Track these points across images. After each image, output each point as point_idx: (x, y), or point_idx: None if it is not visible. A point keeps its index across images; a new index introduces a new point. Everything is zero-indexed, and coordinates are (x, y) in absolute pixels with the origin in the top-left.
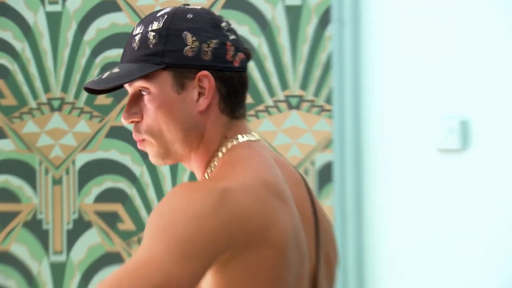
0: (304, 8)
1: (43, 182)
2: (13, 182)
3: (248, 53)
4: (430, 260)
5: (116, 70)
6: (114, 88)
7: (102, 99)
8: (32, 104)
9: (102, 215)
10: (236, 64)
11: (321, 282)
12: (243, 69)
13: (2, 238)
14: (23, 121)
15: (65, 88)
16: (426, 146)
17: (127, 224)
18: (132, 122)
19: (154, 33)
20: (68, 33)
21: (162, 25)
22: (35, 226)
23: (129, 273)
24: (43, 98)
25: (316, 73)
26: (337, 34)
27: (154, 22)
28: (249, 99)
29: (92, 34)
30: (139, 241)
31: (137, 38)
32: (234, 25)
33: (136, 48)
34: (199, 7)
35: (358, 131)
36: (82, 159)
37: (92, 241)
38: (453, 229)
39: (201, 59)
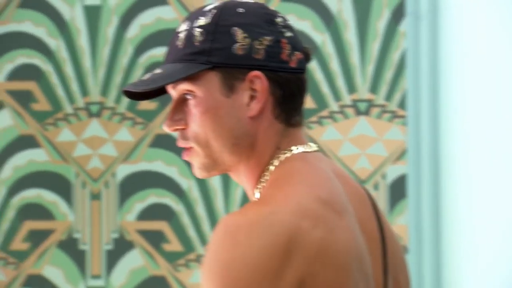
0: (374, 1)
1: (79, 197)
2: (47, 197)
3: (307, 52)
4: None
5: (158, 71)
6: (156, 92)
7: (146, 104)
8: (68, 109)
9: (146, 235)
10: (293, 65)
11: None
12: (301, 70)
13: (34, 260)
14: (57, 129)
15: (104, 91)
16: None
17: (174, 245)
18: (175, 130)
19: (200, 30)
20: (109, 30)
21: (210, 21)
22: (70, 247)
23: None
24: (80, 102)
25: (388, 74)
26: (412, 30)
27: (201, 18)
28: (311, 104)
29: (136, 30)
30: (187, 263)
31: (182, 35)
32: (294, 20)
33: (181, 47)
34: (252, 1)
35: (436, 139)
36: (123, 171)
37: (134, 263)
38: None
39: (252, 58)
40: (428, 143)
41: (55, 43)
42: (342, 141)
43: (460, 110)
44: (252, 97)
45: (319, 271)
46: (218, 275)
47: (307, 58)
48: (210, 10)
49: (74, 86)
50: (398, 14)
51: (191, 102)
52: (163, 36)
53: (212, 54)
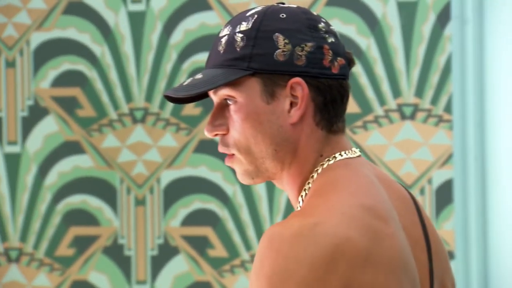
0: (419, 4)
1: (124, 202)
2: (92, 202)
3: (349, 58)
4: None
5: (199, 76)
6: (197, 97)
7: (190, 109)
8: (113, 115)
9: (190, 240)
10: (335, 71)
11: None
12: (343, 76)
13: (80, 265)
14: (102, 134)
15: (149, 97)
16: None
17: (218, 250)
18: (216, 135)
19: (241, 35)
20: (153, 36)
21: (251, 26)
22: (115, 252)
23: None
24: (125, 108)
25: (434, 78)
26: (457, 34)
27: (243, 23)
28: (356, 109)
29: (179, 36)
30: (232, 269)
31: (223, 40)
32: (339, 25)
33: (222, 52)
34: (295, 6)
35: (482, 144)
36: (167, 176)
37: (179, 269)
38: None
39: (293, 64)
40: (474, 147)
41: (100, 49)
42: (388, 146)
43: (506, 114)
44: (292, 104)
45: (367, 280)
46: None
47: (349, 64)
48: (252, 15)
49: (119, 92)
50: (443, 18)
51: (232, 107)
52: (206, 41)
53: (253, 60)
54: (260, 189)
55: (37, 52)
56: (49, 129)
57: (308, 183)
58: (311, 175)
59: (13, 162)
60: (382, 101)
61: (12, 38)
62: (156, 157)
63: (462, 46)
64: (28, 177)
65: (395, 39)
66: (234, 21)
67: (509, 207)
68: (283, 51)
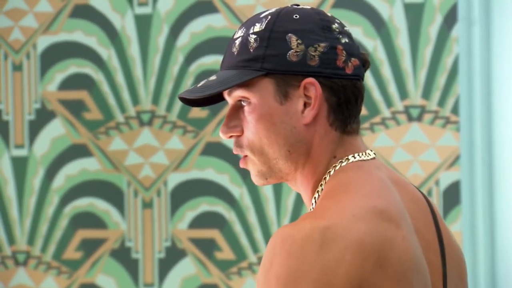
0: (426, 6)
1: (131, 205)
2: (99, 205)
3: (364, 59)
4: None
5: (213, 77)
6: (213, 99)
7: (197, 112)
8: (119, 118)
9: (198, 243)
10: (349, 71)
11: None
12: (357, 77)
13: (87, 268)
14: (109, 137)
15: (155, 99)
16: None
17: (226, 253)
18: (231, 136)
19: (255, 36)
20: (159, 38)
21: (265, 27)
22: (123, 255)
23: None
24: (132, 111)
25: (441, 79)
26: (464, 35)
27: (256, 24)
28: (363, 111)
29: (186, 38)
30: (239, 271)
31: (237, 42)
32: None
33: (235, 53)
34: (309, 7)
35: (490, 145)
36: (175, 179)
37: (186, 271)
38: None
39: (306, 65)
40: (482, 148)
41: (106, 52)
42: (395, 148)
43: None
44: (306, 104)
45: (378, 282)
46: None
47: (364, 64)
48: (265, 17)
49: (125, 95)
50: (450, 19)
51: (246, 108)
52: (213, 44)
53: (266, 61)
54: (267, 191)
55: (44, 56)
56: (56, 132)
57: (321, 184)
58: (323, 177)
59: (20, 166)
60: (389, 103)
61: (19, 42)
62: (163, 160)
63: (469, 47)
64: (35, 180)
65: (402, 41)
66: (248, 23)
67: None
68: (296, 51)
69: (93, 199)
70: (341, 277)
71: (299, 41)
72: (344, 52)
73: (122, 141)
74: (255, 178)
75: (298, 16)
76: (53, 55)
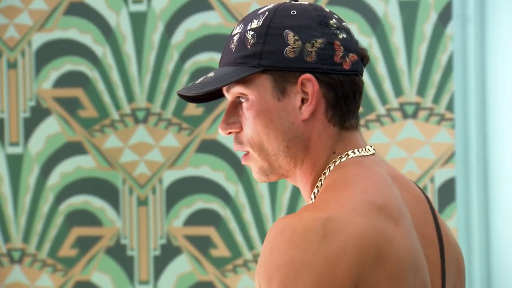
0: (421, 3)
1: (127, 203)
2: (94, 203)
3: (363, 54)
4: None
5: (211, 74)
6: (212, 96)
7: (192, 110)
8: (114, 115)
9: (193, 240)
10: (346, 67)
11: None
12: (355, 72)
13: (82, 266)
14: (104, 135)
15: (150, 97)
16: None
17: (221, 250)
18: (230, 133)
19: (252, 32)
20: (154, 36)
21: (262, 23)
22: (118, 253)
23: None
24: (127, 108)
25: (435, 77)
26: (459, 32)
27: (254, 20)
28: None
29: (181, 36)
30: (234, 268)
31: (235, 38)
32: None
33: (233, 50)
34: (307, 3)
35: (484, 142)
36: (170, 176)
37: (181, 269)
38: None
39: (304, 61)
40: (476, 145)
41: (101, 50)
42: (390, 145)
43: (508, 112)
44: (304, 100)
45: (376, 277)
46: (275, 277)
47: (363, 60)
48: (263, 13)
49: (120, 93)
50: (445, 17)
51: (244, 105)
52: (208, 41)
53: (263, 57)
54: (262, 189)
55: (39, 53)
56: (51, 130)
57: (320, 179)
58: (323, 172)
59: (15, 163)
60: (384, 100)
61: (14, 39)
62: (158, 157)
63: (464, 44)
64: (30, 178)
65: (397, 38)
66: (246, 20)
67: (511, 206)
68: (293, 47)
69: (88, 197)
70: (343, 268)
71: (296, 37)
72: (342, 47)
73: (117, 138)
74: (256, 175)
75: (295, 12)
76: (48, 53)
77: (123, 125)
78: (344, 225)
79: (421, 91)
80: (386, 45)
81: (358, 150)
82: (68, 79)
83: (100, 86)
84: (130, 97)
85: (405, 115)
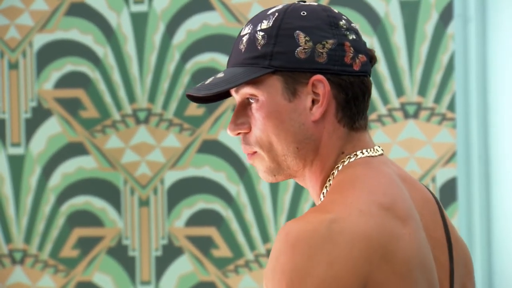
0: (422, 3)
1: (128, 203)
2: (95, 203)
3: (371, 55)
4: None
5: (220, 75)
6: (219, 96)
7: (193, 110)
8: (116, 116)
9: (194, 240)
10: (356, 68)
11: None
12: (364, 73)
13: (84, 266)
14: (105, 135)
15: (152, 97)
16: None
17: (223, 250)
18: (239, 133)
19: (262, 33)
20: (155, 36)
21: (272, 24)
22: (120, 253)
23: None
24: (128, 109)
25: (437, 76)
26: (460, 32)
27: (264, 21)
28: None
29: (182, 36)
30: (236, 269)
31: (244, 39)
32: None
33: (243, 50)
34: (315, 4)
35: (486, 142)
36: (171, 177)
37: (183, 269)
38: None
39: (315, 62)
40: (478, 145)
41: (102, 50)
42: (391, 145)
43: (509, 112)
44: (314, 101)
45: (383, 278)
46: (281, 283)
47: (371, 60)
48: (273, 14)
49: (122, 93)
50: (446, 16)
51: (254, 106)
52: (209, 41)
53: (274, 58)
54: (263, 189)
55: (40, 54)
56: (52, 130)
57: (329, 180)
58: (332, 172)
59: (16, 164)
60: (385, 100)
61: (15, 40)
62: (159, 158)
63: (465, 44)
64: (32, 179)
65: (398, 38)
66: (255, 20)
67: None
68: (304, 48)
69: (89, 197)
70: (349, 270)
71: (307, 38)
72: (352, 48)
73: (119, 139)
74: (263, 175)
75: (305, 13)
76: (49, 54)
77: (125, 125)
78: (351, 226)
79: (422, 91)
80: (387, 45)
81: (367, 151)
82: (69, 80)
83: (101, 86)
84: (131, 98)
85: (407, 115)
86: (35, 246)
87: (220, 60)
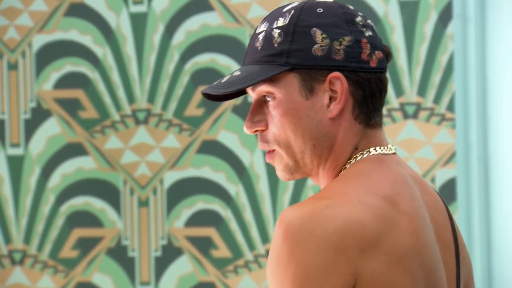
0: (421, 3)
1: (128, 204)
2: (95, 204)
3: (387, 51)
4: None
5: (237, 73)
6: (234, 94)
7: (193, 110)
8: (115, 116)
9: (194, 241)
10: (373, 64)
11: None
12: (381, 69)
13: (84, 267)
14: (105, 136)
15: (151, 98)
16: None
17: (222, 251)
18: (255, 131)
19: (279, 31)
20: (155, 37)
21: (289, 21)
22: (119, 254)
23: None
24: (127, 109)
25: (436, 77)
26: (459, 32)
27: (280, 18)
28: None
29: (181, 37)
30: (235, 269)
31: (260, 36)
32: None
33: (259, 48)
34: (331, 0)
35: (485, 142)
36: (171, 177)
37: (183, 270)
38: None
39: (332, 59)
40: (477, 145)
41: (102, 51)
42: None
43: (508, 112)
44: (331, 98)
45: (376, 266)
46: (275, 271)
47: (387, 57)
48: (289, 11)
49: (121, 94)
50: (445, 17)
51: (271, 103)
52: (208, 42)
53: (291, 56)
54: (263, 189)
55: (39, 54)
56: (52, 131)
57: (340, 174)
58: (343, 167)
59: (16, 164)
60: (384, 100)
61: (14, 41)
62: (159, 158)
63: (464, 44)
64: (31, 179)
65: (397, 38)
66: (271, 17)
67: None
68: (321, 45)
69: (89, 198)
70: (337, 258)
71: (324, 35)
72: (368, 45)
73: (118, 139)
74: (281, 174)
75: (321, 10)
76: (49, 54)
77: (124, 126)
78: (345, 213)
79: (421, 91)
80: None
81: (380, 148)
82: (69, 80)
83: (101, 87)
84: (131, 98)
85: (406, 115)
86: (34, 246)
87: (219, 60)
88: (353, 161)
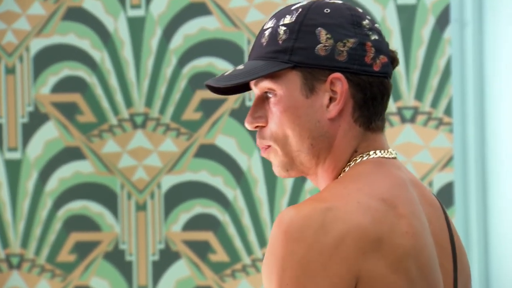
0: (419, 7)
1: (125, 208)
2: (92, 208)
3: (393, 57)
4: None
5: (240, 67)
6: (239, 89)
7: (190, 114)
8: (113, 120)
9: (192, 245)
10: (376, 68)
11: None
12: (384, 74)
13: (81, 271)
14: (102, 140)
15: (149, 102)
16: None
17: (220, 255)
18: (256, 127)
19: (285, 28)
20: (152, 41)
21: (295, 19)
22: (117, 258)
23: None
24: (125, 113)
25: (433, 81)
26: (457, 36)
27: (287, 16)
28: None
29: (179, 41)
30: (233, 273)
31: (266, 32)
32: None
33: (264, 44)
34: (340, 2)
35: (483, 146)
36: (168, 181)
37: (180, 274)
38: None
39: (334, 60)
40: (475, 149)
41: (99, 55)
42: None
43: (506, 116)
44: (332, 99)
45: (375, 271)
46: (274, 271)
47: (393, 62)
48: (296, 9)
49: (119, 98)
50: (443, 21)
51: (272, 100)
52: (206, 46)
53: (294, 53)
54: (260, 193)
55: (37, 58)
56: (49, 135)
57: (339, 176)
58: (343, 170)
59: (13, 169)
60: None
61: (12, 45)
62: (156, 162)
63: (462, 48)
64: (28, 183)
65: (395, 42)
66: (279, 14)
67: (510, 210)
68: (325, 45)
69: (86, 202)
70: (338, 260)
71: (328, 35)
72: (373, 49)
73: (116, 143)
74: (276, 169)
75: (329, 10)
76: (46, 58)
77: (122, 130)
78: (345, 215)
79: (419, 95)
80: None
81: (380, 151)
82: (66, 84)
83: (98, 91)
84: (128, 102)
85: (403, 120)
86: (32, 250)
87: (217, 64)
88: (353, 163)
